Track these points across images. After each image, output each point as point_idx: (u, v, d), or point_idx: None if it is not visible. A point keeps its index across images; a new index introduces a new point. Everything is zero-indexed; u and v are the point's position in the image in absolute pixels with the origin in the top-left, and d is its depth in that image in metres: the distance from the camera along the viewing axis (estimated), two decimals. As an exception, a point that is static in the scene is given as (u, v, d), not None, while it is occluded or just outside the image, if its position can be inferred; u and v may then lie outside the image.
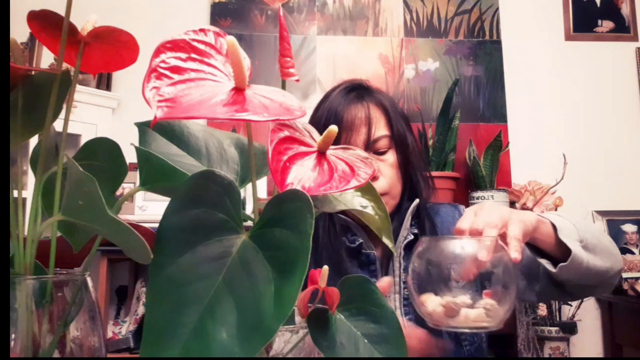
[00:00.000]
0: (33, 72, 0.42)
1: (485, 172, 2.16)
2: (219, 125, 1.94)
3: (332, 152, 0.43)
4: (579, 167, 2.29)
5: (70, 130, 0.41)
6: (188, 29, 0.38)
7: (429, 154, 2.14)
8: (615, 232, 2.31)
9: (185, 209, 0.36)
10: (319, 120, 0.97)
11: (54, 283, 0.38)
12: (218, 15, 2.38)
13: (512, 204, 2.12)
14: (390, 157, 0.98)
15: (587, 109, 2.44)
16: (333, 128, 0.41)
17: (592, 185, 2.35)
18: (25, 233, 0.39)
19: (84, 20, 0.43)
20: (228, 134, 0.53)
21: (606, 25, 2.50)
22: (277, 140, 0.40)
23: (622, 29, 2.50)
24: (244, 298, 0.33)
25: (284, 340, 0.42)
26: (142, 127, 0.48)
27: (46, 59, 2.17)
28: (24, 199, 0.42)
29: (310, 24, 2.43)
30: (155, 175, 0.44)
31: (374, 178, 0.95)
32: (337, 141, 0.44)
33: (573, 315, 2.15)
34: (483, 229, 0.69)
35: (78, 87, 1.96)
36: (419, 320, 0.85)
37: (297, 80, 0.43)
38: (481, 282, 0.65)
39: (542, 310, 2.04)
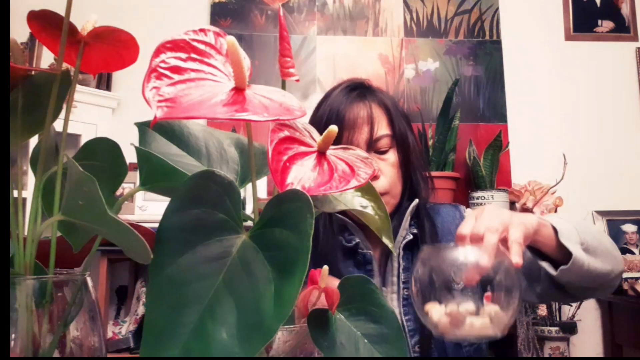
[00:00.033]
0: (33, 72, 0.42)
1: (485, 172, 2.16)
2: (219, 125, 1.94)
3: (332, 152, 0.43)
4: (579, 167, 2.29)
5: (70, 130, 0.41)
6: (188, 29, 0.39)
7: (429, 154, 2.14)
8: (615, 232, 2.31)
9: (185, 209, 0.36)
10: (320, 119, 0.97)
11: (54, 283, 0.38)
12: (218, 15, 2.38)
13: (512, 204, 2.12)
14: (391, 156, 0.98)
15: (587, 109, 2.44)
16: (333, 128, 0.41)
17: (592, 185, 2.35)
18: (25, 233, 0.39)
19: (84, 20, 0.43)
20: (228, 134, 0.53)
21: (606, 25, 2.50)
22: (277, 140, 0.40)
23: (622, 29, 2.50)
24: (244, 298, 0.33)
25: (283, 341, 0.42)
26: (142, 127, 0.48)
27: (46, 59, 2.17)
28: (24, 199, 0.42)
29: (310, 24, 2.43)
30: (155, 175, 0.44)
31: (374, 177, 0.95)
32: (338, 140, 0.44)
33: (573, 315, 2.15)
34: (484, 233, 0.69)
35: (78, 87, 1.96)
36: (418, 320, 0.85)
37: (297, 80, 0.43)
38: (484, 288, 0.65)
39: (542, 310, 2.04)
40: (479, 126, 2.39)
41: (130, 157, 0.41)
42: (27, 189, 1.43)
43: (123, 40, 0.43)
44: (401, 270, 0.95)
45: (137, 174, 0.45)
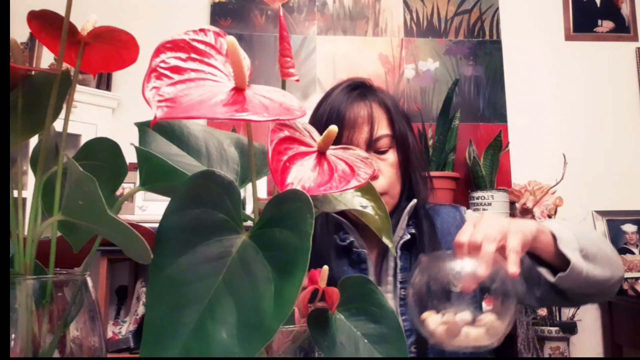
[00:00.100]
0: (33, 72, 0.42)
1: (485, 172, 2.16)
2: (219, 125, 1.94)
3: (332, 152, 0.43)
4: (579, 167, 2.29)
5: (70, 130, 0.41)
6: (188, 29, 0.39)
7: (429, 154, 2.14)
8: (615, 232, 2.31)
9: (185, 209, 0.36)
10: (321, 119, 0.97)
11: (54, 283, 0.38)
12: (218, 15, 2.38)
13: (512, 204, 2.12)
14: (391, 156, 0.98)
15: (587, 109, 2.44)
16: (333, 128, 0.41)
17: (592, 185, 2.35)
18: (25, 233, 0.39)
19: (84, 20, 0.43)
20: (228, 134, 0.53)
21: (606, 25, 2.50)
22: (277, 140, 0.40)
23: (622, 29, 2.50)
24: (244, 298, 0.33)
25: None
26: (142, 127, 0.48)
27: (46, 59, 2.17)
28: (24, 199, 0.42)
29: (310, 24, 2.43)
30: (155, 175, 0.44)
31: (374, 177, 0.95)
32: (338, 139, 0.44)
33: (573, 315, 2.15)
34: (482, 242, 0.69)
35: (78, 87, 1.96)
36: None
37: (297, 80, 0.43)
38: (480, 297, 0.66)
39: (542, 310, 2.04)
40: (479, 126, 2.39)
41: (130, 157, 0.41)
42: (27, 189, 1.43)
43: (123, 40, 0.43)
44: (398, 270, 0.95)
45: (137, 174, 0.45)
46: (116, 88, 2.27)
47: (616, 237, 2.30)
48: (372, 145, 0.96)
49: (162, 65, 0.36)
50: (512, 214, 2.11)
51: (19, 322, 0.36)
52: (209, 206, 0.36)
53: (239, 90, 0.37)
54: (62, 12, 0.41)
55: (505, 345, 1.99)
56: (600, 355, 2.24)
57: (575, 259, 0.78)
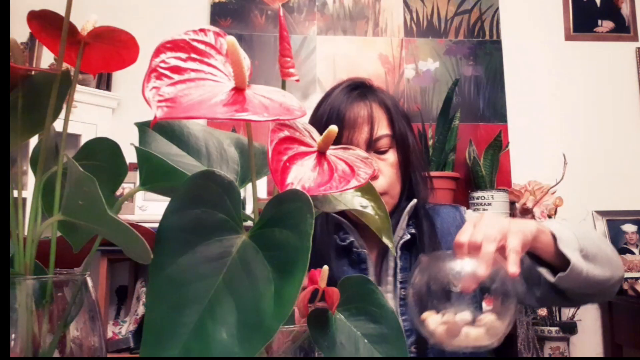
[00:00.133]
0: (33, 72, 0.42)
1: (485, 172, 2.16)
2: (219, 125, 1.94)
3: (332, 152, 0.43)
4: (579, 167, 2.29)
5: (70, 130, 0.41)
6: (188, 29, 0.38)
7: (429, 154, 2.14)
8: (615, 232, 2.31)
9: (185, 209, 0.36)
10: (321, 118, 0.97)
11: (54, 283, 0.38)
12: (218, 15, 2.38)
13: (512, 204, 2.12)
14: (391, 156, 0.98)
15: (587, 109, 2.44)
16: (333, 128, 0.41)
17: (592, 185, 2.35)
18: (25, 233, 0.39)
19: (84, 20, 0.43)
20: (228, 134, 0.53)
21: (606, 25, 2.50)
22: (277, 140, 0.40)
23: (622, 29, 2.50)
24: (244, 298, 0.33)
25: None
26: (142, 127, 0.48)
27: (46, 59, 2.17)
28: (24, 199, 0.42)
29: (310, 24, 2.43)
30: (155, 175, 0.44)
31: (374, 177, 0.95)
32: (338, 139, 0.44)
33: (573, 315, 2.15)
34: (482, 242, 0.69)
35: (78, 87, 1.96)
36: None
37: (297, 80, 0.43)
38: (480, 298, 0.66)
39: (542, 310, 2.04)
40: (479, 126, 2.39)
41: (130, 157, 0.41)
42: (27, 189, 1.43)
43: (123, 40, 0.43)
44: (398, 270, 0.95)
45: (137, 174, 0.45)
46: (116, 88, 2.27)
47: (616, 237, 2.30)
48: (372, 145, 0.96)
49: (162, 65, 0.36)
50: (512, 214, 2.11)
51: (19, 322, 0.36)
52: (209, 206, 0.36)
53: (239, 90, 0.37)
54: (62, 12, 0.41)
55: (505, 345, 1.99)
56: (600, 355, 2.24)
57: (575, 259, 0.78)
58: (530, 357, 1.94)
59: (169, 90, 0.35)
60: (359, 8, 2.45)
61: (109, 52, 0.44)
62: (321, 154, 0.42)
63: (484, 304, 0.73)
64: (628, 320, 2.11)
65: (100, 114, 2.16)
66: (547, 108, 2.43)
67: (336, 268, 0.95)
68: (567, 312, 2.16)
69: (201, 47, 0.38)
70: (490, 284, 0.64)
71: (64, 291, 0.39)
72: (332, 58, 2.40)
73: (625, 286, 2.10)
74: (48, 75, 0.42)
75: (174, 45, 0.37)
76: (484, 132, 2.37)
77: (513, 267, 0.66)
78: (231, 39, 0.37)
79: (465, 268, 0.66)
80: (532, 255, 0.82)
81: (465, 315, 0.62)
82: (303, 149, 0.41)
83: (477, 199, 2.08)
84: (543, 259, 0.82)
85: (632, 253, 2.29)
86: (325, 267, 0.43)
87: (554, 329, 2.03)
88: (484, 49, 2.45)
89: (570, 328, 2.04)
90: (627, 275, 2.22)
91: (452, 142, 2.17)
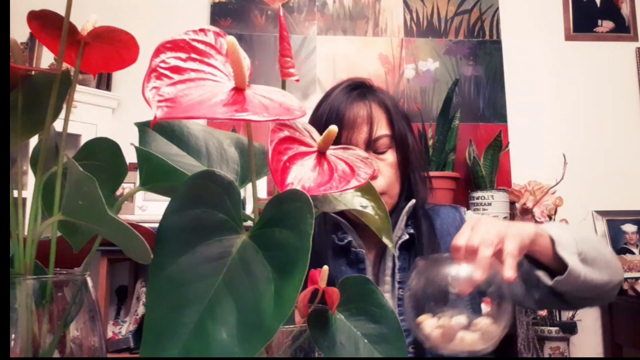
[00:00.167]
0: (33, 72, 0.42)
1: (485, 172, 2.16)
2: (219, 125, 1.94)
3: (332, 152, 0.43)
4: (579, 167, 2.29)
5: (70, 130, 0.41)
6: (188, 29, 0.39)
7: (429, 154, 2.14)
8: (615, 232, 2.31)
9: (185, 209, 0.36)
10: (320, 118, 0.97)
11: (54, 283, 0.38)
12: (218, 15, 2.38)
13: (512, 204, 2.12)
14: (390, 156, 0.98)
15: (587, 108, 2.44)
16: (333, 128, 0.41)
17: (592, 185, 2.35)
18: (25, 233, 0.39)
19: (84, 20, 0.43)
20: (228, 134, 0.53)
21: (606, 25, 2.50)
22: (277, 140, 0.40)
23: (622, 29, 2.50)
24: (244, 298, 0.33)
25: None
26: (142, 127, 0.48)
27: (46, 59, 2.17)
28: (24, 199, 0.42)
29: (310, 24, 2.43)
30: (155, 175, 0.44)
31: (374, 177, 0.95)
32: (338, 139, 0.44)
33: (573, 316, 2.15)
34: (478, 246, 0.69)
35: (78, 87, 1.96)
36: None
37: (297, 80, 0.43)
38: (476, 301, 0.66)
39: (542, 310, 2.04)
40: (479, 126, 2.39)
41: (130, 157, 0.41)
42: (27, 189, 1.43)
43: (123, 40, 0.43)
44: (397, 270, 0.95)
45: (137, 174, 0.45)
46: (116, 88, 2.27)
47: (616, 237, 2.30)
48: (371, 145, 0.96)
49: (162, 65, 0.36)
50: (512, 214, 2.11)
51: (19, 322, 0.36)
52: (209, 206, 0.36)
53: (239, 90, 0.37)
54: (62, 12, 0.41)
55: (505, 345, 1.99)
56: (600, 355, 2.24)
57: (572, 262, 0.78)
58: (530, 357, 1.94)
59: (169, 90, 0.35)
60: (359, 8, 2.45)
61: (109, 52, 0.44)
62: (321, 154, 0.42)
63: (483, 305, 0.73)
64: (628, 320, 2.11)
65: (100, 114, 2.16)
66: (547, 108, 2.43)
67: (334, 268, 0.95)
68: (567, 312, 2.16)
69: (201, 47, 0.38)
70: (486, 288, 0.65)
71: (64, 291, 0.39)
72: (332, 58, 2.40)
73: (625, 286, 2.10)
74: (48, 75, 0.42)
75: (174, 45, 0.37)
76: (484, 132, 2.37)
77: (509, 271, 0.66)
78: (231, 39, 0.37)
79: (461, 272, 0.66)
80: (531, 259, 0.82)
81: (461, 319, 0.62)
82: (303, 149, 0.41)
83: (477, 199, 2.08)
84: (541, 262, 0.82)
85: (632, 253, 2.29)
86: (326, 267, 0.43)
87: (554, 329, 2.03)
88: (484, 49, 2.45)
89: (570, 328, 2.04)
90: (627, 275, 2.22)
91: (452, 142, 2.17)
